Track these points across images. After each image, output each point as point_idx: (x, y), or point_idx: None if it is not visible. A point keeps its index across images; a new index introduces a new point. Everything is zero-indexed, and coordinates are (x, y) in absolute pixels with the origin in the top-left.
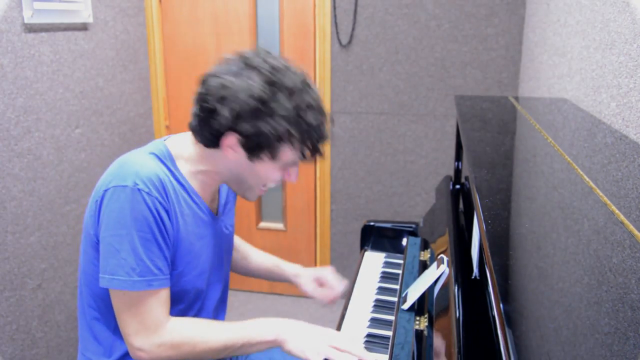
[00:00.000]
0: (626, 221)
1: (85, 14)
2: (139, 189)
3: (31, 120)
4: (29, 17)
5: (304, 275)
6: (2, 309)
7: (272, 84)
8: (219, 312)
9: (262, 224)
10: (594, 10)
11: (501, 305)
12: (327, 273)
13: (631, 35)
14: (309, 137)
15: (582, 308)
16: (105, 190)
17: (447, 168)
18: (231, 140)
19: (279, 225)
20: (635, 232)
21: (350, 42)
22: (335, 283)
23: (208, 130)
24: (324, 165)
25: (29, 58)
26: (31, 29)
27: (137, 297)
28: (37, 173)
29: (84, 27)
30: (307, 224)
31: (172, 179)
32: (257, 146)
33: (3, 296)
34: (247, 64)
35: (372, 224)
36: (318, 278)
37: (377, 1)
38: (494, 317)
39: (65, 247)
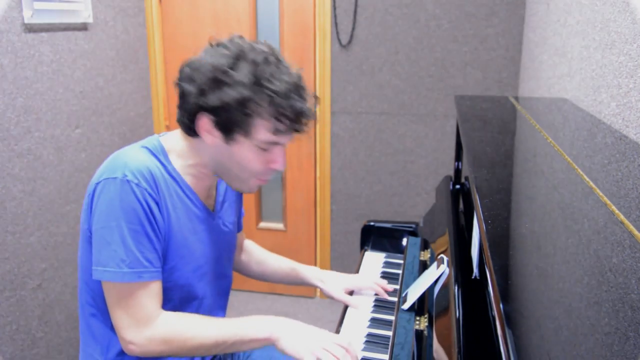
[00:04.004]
0: (626, 221)
1: (85, 14)
2: (127, 180)
3: (31, 120)
4: (29, 17)
5: (332, 288)
6: (2, 309)
7: (235, 56)
8: (216, 312)
9: (262, 224)
10: (594, 10)
11: (501, 305)
12: (358, 283)
13: (631, 35)
14: (278, 106)
15: (582, 308)
16: (97, 184)
17: (447, 168)
18: (204, 122)
19: (279, 225)
20: (635, 232)
21: (350, 42)
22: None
23: (186, 116)
24: (324, 165)
25: (29, 58)
26: (31, 29)
27: (127, 289)
28: (37, 173)
29: (84, 27)
30: (307, 224)
31: (163, 172)
32: (228, 122)
33: (3, 296)
34: (213, 45)
35: (372, 224)
36: (348, 289)
37: (377, 1)
38: (494, 317)
39: (65, 247)
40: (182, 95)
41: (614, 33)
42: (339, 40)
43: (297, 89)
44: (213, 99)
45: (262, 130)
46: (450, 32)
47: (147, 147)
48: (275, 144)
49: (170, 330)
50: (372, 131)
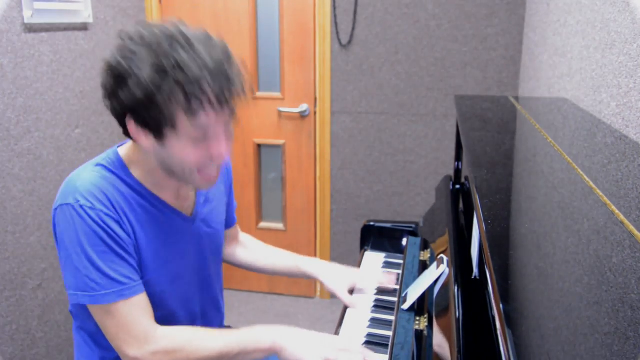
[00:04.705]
0: (626, 221)
1: (85, 14)
2: (81, 206)
3: (31, 120)
4: (29, 17)
5: (336, 285)
6: (2, 309)
7: (131, 45)
8: (212, 315)
9: (262, 224)
10: (594, 10)
11: (501, 305)
12: (360, 283)
13: (631, 35)
14: (191, 93)
15: (582, 308)
16: (55, 210)
17: (447, 168)
18: (131, 125)
19: (279, 225)
20: (635, 232)
21: (350, 42)
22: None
23: (116, 119)
24: (324, 165)
25: (29, 58)
26: (31, 29)
27: (113, 309)
28: (37, 173)
29: (84, 27)
30: (307, 224)
31: (122, 187)
32: (150, 119)
33: (3, 296)
34: (120, 37)
35: (372, 224)
36: (351, 287)
37: (377, 1)
38: (494, 317)
39: None
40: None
41: (614, 33)
42: (339, 40)
43: (213, 69)
44: (124, 98)
45: (183, 118)
46: (450, 32)
47: (102, 165)
48: (207, 130)
49: (173, 343)
50: (372, 131)
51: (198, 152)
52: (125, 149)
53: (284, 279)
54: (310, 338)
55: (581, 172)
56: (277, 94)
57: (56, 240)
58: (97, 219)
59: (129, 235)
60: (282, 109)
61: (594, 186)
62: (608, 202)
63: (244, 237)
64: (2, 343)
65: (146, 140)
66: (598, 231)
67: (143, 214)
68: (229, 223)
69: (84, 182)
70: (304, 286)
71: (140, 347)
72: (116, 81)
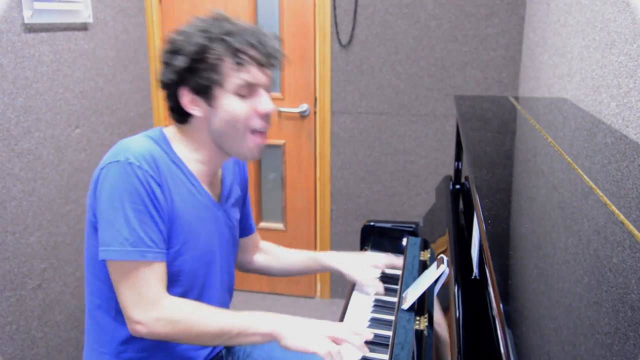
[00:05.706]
0: (626, 221)
1: (85, 14)
2: (130, 163)
3: (31, 120)
4: (29, 17)
5: (356, 269)
6: (2, 309)
7: (184, 26)
8: (222, 306)
9: (262, 224)
10: (594, 10)
11: (501, 305)
12: (380, 260)
13: (631, 35)
14: (234, 45)
15: (582, 308)
16: (102, 169)
17: (447, 168)
18: (185, 94)
19: (279, 225)
20: (635, 232)
21: (350, 42)
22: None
23: (171, 101)
24: (324, 165)
25: (29, 58)
26: (31, 29)
27: (132, 267)
28: (37, 173)
29: (84, 27)
30: (307, 224)
31: (166, 159)
32: (201, 81)
33: (3, 296)
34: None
35: (372, 224)
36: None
37: (377, 1)
38: (494, 317)
39: (65, 247)
40: (163, 84)
41: (614, 33)
42: (339, 40)
43: (250, 28)
44: (177, 64)
45: (230, 72)
46: (450, 32)
47: (150, 136)
48: (251, 85)
49: (177, 312)
50: (372, 131)
51: (245, 107)
52: (169, 129)
53: (283, 279)
54: (309, 324)
55: (581, 172)
56: (277, 94)
57: (94, 199)
58: (142, 178)
59: (166, 201)
60: (282, 109)
61: (594, 186)
62: (608, 202)
63: (265, 244)
64: (2, 343)
65: (199, 108)
66: (598, 231)
67: (182, 187)
68: (249, 230)
69: (136, 145)
70: (304, 286)
71: (147, 311)
72: (171, 51)
